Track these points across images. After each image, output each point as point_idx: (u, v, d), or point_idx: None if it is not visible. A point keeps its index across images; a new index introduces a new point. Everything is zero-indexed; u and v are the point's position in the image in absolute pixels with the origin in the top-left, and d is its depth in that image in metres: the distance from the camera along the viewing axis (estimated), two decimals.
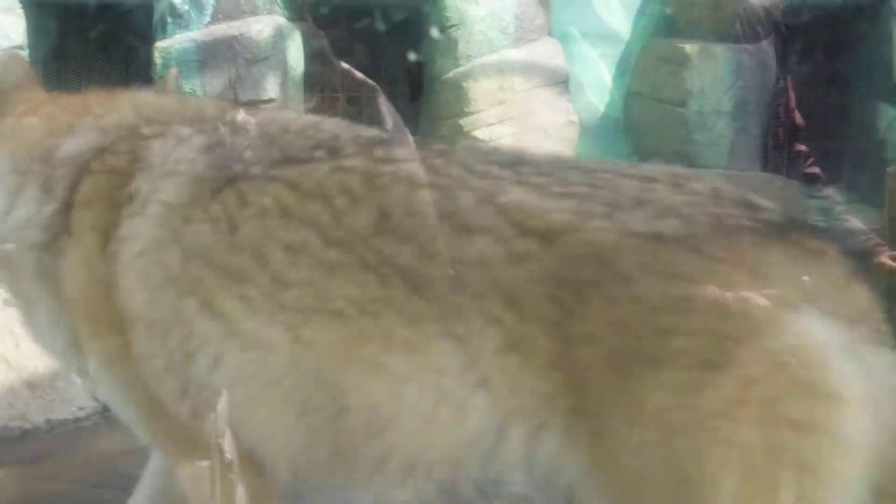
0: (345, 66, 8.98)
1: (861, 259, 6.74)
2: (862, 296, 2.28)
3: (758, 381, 2.11)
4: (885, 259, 5.15)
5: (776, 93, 9.27)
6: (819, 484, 2.14)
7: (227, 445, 2.95)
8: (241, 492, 2.63)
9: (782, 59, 9.49)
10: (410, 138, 6.66)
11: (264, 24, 8.49)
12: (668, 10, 9.65)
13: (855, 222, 6.62)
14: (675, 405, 2.13)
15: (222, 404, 3.02)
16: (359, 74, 8.96)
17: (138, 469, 4.01)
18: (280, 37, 8.52)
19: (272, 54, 8.45)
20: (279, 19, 8.60)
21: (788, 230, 2.36)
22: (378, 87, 9.01)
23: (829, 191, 8.96)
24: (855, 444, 2.13)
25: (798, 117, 9.04)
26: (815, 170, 8.75)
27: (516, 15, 8.95)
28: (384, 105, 8.97)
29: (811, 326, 2.15)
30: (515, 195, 2.31)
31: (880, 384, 2.15)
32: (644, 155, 9.69)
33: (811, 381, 2.12)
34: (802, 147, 9.16)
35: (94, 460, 4.24)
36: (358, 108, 9.42)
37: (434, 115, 9.10)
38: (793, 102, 9.09)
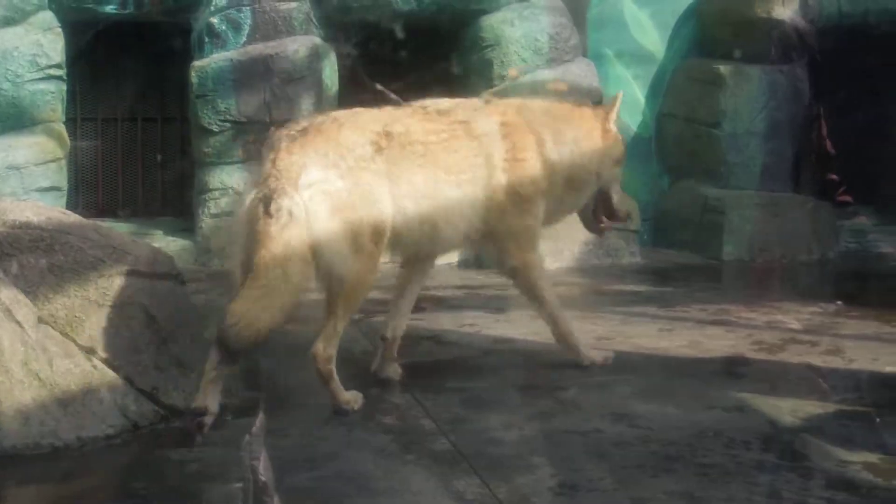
0: (378, 86, 9.06)
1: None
2: None
3: None
4: None
5: (809, 117, 9.27)
6: None
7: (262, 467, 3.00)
8: None
9: (815, 84, 9.48)
10: None
11: (300, 44, 8.58)
12: (702, 31, 9.66)
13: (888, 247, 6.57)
14: None
15: (258, 427, 3.06)
16: (392, 94, 9.02)
17: (165, 484, 4.07)
18: (316, 57, 8.61)
19: (307, 74, 8.54)
20: (315, 39, 8.69)
21: None
22: (400, 102, 9.06)
23: (863, 216, 8.97)
24: None
25: (830, 146, 9.05)
26: (847, 198, 8.76)
27: (551, 36, 9.00)
28: None
29: None
30: None
31: None
32: (675, 175, 9.71)
33: None
34: (834, 176, 9.17)
35: (123, 477, 4.30)
36: None
37: None
38: (824, 131, 9.10)
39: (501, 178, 5.26)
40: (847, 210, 8.90)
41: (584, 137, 5.58)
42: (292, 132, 4.88)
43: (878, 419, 4.83)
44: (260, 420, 3.00)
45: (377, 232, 4.88)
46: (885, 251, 9.26)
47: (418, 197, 5.01)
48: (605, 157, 5.65)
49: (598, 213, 5.84)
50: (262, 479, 2.93)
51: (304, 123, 4.96)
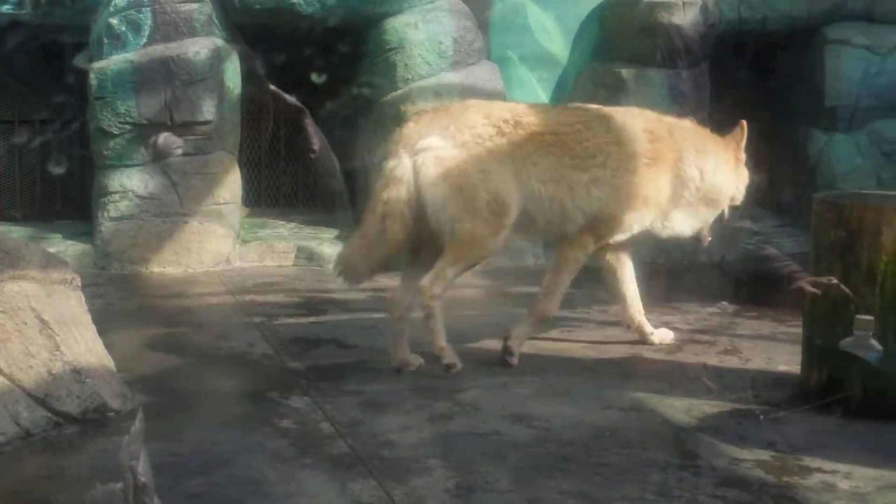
0: (273, 88, 9.01)
1: (780, 283, 6.87)
2: None
3: None
4: (802, 284, 5.22)
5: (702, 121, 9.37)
6: None
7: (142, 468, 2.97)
8: None
9: (709, 86, 9.61)
10: (334, 157, 7.74)
11: (201, 46, 8.49)
12: (605, 35, 9.74)
13: (771, 250, 6.75)
14: None
15: (136, 428, 3.03)
16: (287, 97, 8.99)
17: (60, 495, 4.00)
18: (218, 58, 8.53)
19: (209, 76, 8.46)
20: (217, 41, 8.60)
21: None
22: (305, 110, 9.04)
23: (748, 219, 9.12)
24: None
25: None
26: None
27: (455, 39, 9.00)
28: (311, 126, 9.01)
29: None
30: None
31: None
32: None
33: None
34: None
35: (13, 486, 4.22)
36: (287, 129, 9.44)
37: (372, 138, 9.12)
38: None
39: (632, 176, 5.66)
40: (732, 214, 9.02)
41: (723, 163, 5.96)
42: (424, 111, 5.72)
43: (762, 417, 4.91)
44: (139, 420, 2.97)
45: (495, 202, 5.43)
46: (785, 252, 9.39)
47: (547, 180, 5.53)
48: (741, 183, 6.06)
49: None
50: (143, 480, 2.90)
51: (438, 107, 5.82)
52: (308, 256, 8.67)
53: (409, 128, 5.48)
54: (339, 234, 8.99)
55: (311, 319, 6.82)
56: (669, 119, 6.08)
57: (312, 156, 9.28)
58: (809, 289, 5.10)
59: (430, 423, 4.79)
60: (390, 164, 5.39)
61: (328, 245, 8.75)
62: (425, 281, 5.51)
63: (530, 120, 5.56)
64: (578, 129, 5.63)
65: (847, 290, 4.89)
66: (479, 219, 5.40)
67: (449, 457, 4.37)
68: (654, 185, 5.73)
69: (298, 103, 9.14)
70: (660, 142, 5.77)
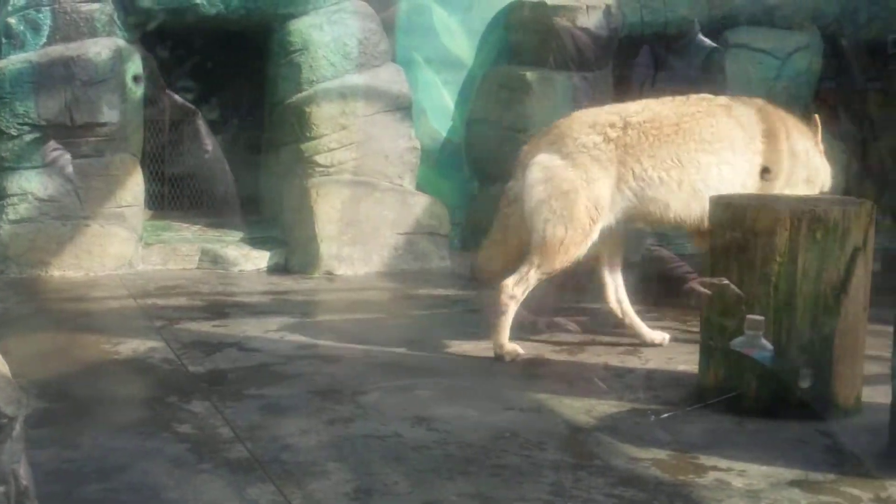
0: (168, 91, 8.92)
1: (672, 284, 6.96)
2: None
3: None
4: (693, 285, 5.32)
5: None
6: None
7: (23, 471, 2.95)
8: None
9: (612, 89, 9.69)
10: (224, 160, 7.56)
11: (102, 46, 8.38)
12: (509, 38, 9.79)
13: (663, 251, 6.87)
14: None
15: (17, 432, 3.00)
16: (178, 98, 8.91)
17: None
18: (119, 59, 8.42)
19: (110, 76, 8.34)
20: (118, 41, 8.50)
21: None
22: (198, 111, 8.97)
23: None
24: None
25: None
26: None
27: (360, 41, 8.98)
28: (203, 128, 8.95)
29: None
30: None
31: None
32: (485, 180, 9.82)
33: None
34: None
35: None
36: (179, 130, 9.36)
37: (276, 140, 9.09)
38: None
39: (756, 158, 6.04)
40: None
41: (812, 146, 6.29)
42: (541, 130, 6.24)
43: (653, 417, 4.97)
44: (19, 424, 2.93)
45: (595, 207, 5.89)
46: (688, 253, 9.50)
47: (669, 167, 5.91)
48: (828, 167, 6.36)
49: None
50: (24, 483, 2.86)
51: (557, 122, 6.18)
52: (212, 259, 8.60)
53: (524, 150, 6.14)
54: (243, 237, 8.94)
55: (214, 323, 6.76)
56: (768, 104, 6.41)
57: (206, 156, 9.22)
58: (701, 289, 5.17)
59: (331, 426, 4.78)
60: (510, 184, 6.15)
61: (233, 248, 8.69)
62: (509, 281, 5.95)
63: (644, 117, 5.99)
64: (700, 116, 6.02)
65: (737, 290, 4.97)
66: (574, 224, 5.86)
67: (348, 460, 4.36)
68: (775, 162, 6.10)
69: (189, 105, 9.07)
70: (773, 123, 6.15)
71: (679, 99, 6.16)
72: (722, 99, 6.27)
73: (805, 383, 4.89)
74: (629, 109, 6.09)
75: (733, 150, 6.00)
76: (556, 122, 6.17)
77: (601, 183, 5.87)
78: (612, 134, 5.92)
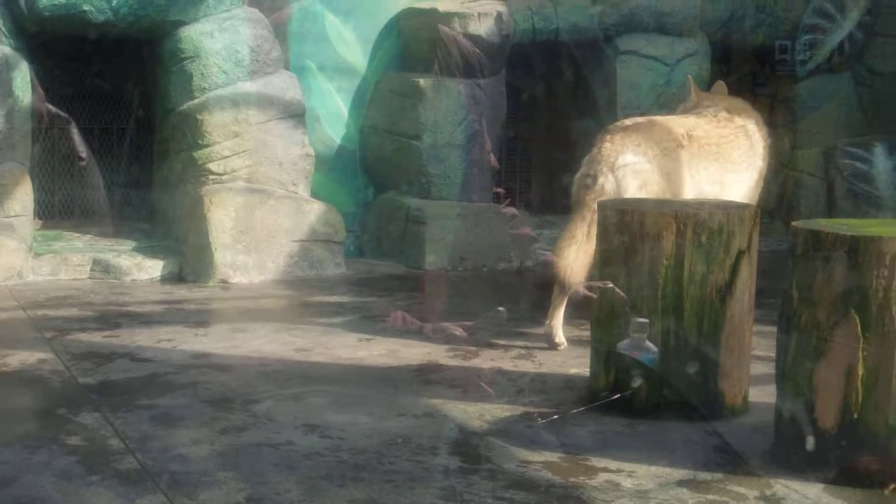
0: (49, 106, 8.79)
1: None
2: None
3: None
4: (580, 289, 5.42)
5: (478, 133, 9.53)
6: None
7: None
8: None
9: (506, 95, 9.77)
10: (97, 169, 7.44)
11: None
12: (402, 45, 9.82)
13: (550, 256, 6.96)
14: None
15: None
16: (51, 107, 8.77)
17: None
18: (6, 67, 8.28)
19: None
20: (5, 49, 8.35)
21: None
22: (71, 120, 8.86)
23: (527, 227, 9.34)
24: None
25: (493, 161, 9.35)
26: (512, 210, 9.16)
27: (252, 48, 8.93)
28: (76, 136, 8.84)
29: None
30: None
31: None
32: (379, 187, 9.83)
33: None
34: (499, 189, 9.51)
35: None
36: (54, 139, 9.23)
37: (167, 148, 9.00)
38: (488, 146, 9.40)
39: (762, 164, 7.04)
40: (513, 223, 9.23)
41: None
42: (615, 129, 6.63)
43: (540, 420, 5.03)
44: None
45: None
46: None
47: (713, 181, 6.66)
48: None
49: None
50: None
51: (626, 122, 6.78)
52: (104, 269, 8.49)
53: (608, 147, 6.49)
54: (136, 247, 8.84)
55: (105, 333, 6.68)
56: (746, 105, 7.38)
57: (81, 163, 9.11)
58: (586, 292, 5.25)
59: (223, 436, 4.75)
60: (600, 179, 6.42)
61: (126, 257, 8.59)
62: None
63: (699, 133, 6.74)
64: (731, 139, 6.85)
65: (621, 293, 5.05)
66: None
67: (240, 469, 4.34)
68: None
69: (63, 113, 8.94)
70: (762, 129, 7.15)
71: (711, 118, 6.93)
72: (738, 120, 7.03)
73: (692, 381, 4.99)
74: (688, 123, 6.82)
75: (748, 168, 6.93)
76: (633, 123, 6.76)
77: (679, 182, 6.53)
78: (684, 143, 6.61)
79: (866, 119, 11.05)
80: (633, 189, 6.38)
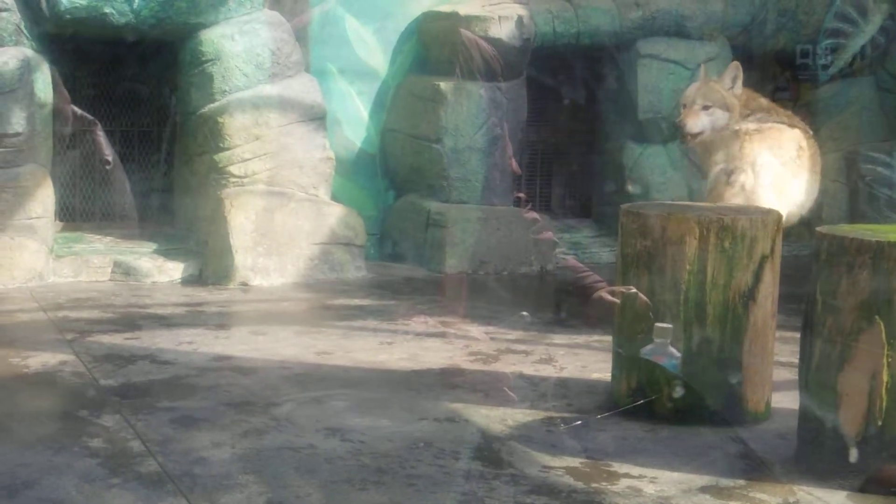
0: (75, 108, 8.81)
1: (581, 294, 7.05)
2: None
3: None
4: (603, 294, 5.39)
5: (499, 138, 9.53)
6: None
7: None
8: None
9: (527, 98, 9.76)
10: (124, 173, 7.37)
11: (10, 56, 8.25)
12: (423, 48, 9.82)
13: (571, 261, 6.98)
14: None
15: None
16: (77, 109, 8.80)
17: None
18: (27, 69, 8.30)
19: (18, 87, 8.22)
20: (27, 51, 8.38)
21: None
22: (97, 122, 8.88)
23: (549, 231, 9.34)
24: None
25: (515, 165, 9.34)
26: (533, 214, 9.15)
27: (272, 51, 8.94)
28: (102, 139, 8.86)
29: None
30: None
31: None
32: (400, 190, 9.83)
33: None
34: (520, 194, 9.50)
35: None
36: (77, 141, 9.25)
37: (188, 151, 9.01)
38: (510, 150, 9.39)
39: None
40: (535, 227, 9.22)
41: None
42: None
43: (563, 425, 5.02)
44: None
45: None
46: (602, 262, 9.61)
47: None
48: None
49: None
50: None
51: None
52: (125, 271, 8.50)
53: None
54: (156, 249, 8.85)
55: (126, 335, 6.69)
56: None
57: (107, 167, 9.13)
58: (609, 298, 5.23)
59: (244, 439, 4.75)
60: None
61: (146, 259, 8.60)
62: None
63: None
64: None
65: (644, 299, 5.03)
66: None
67: (261, 472, 4.34)
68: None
69: (88, 116, 8.96)
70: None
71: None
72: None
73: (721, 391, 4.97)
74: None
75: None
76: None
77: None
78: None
79: (888, 124, 11.02)
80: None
